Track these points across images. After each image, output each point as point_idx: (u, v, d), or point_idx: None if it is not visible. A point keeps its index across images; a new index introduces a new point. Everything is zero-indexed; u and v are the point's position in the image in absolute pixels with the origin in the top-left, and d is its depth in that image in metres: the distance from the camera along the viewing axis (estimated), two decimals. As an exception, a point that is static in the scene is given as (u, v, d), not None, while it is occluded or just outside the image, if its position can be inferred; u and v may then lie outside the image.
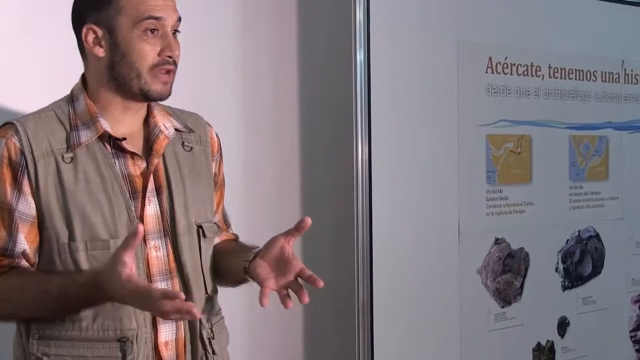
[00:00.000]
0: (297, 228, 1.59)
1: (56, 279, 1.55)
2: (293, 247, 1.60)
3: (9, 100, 2.14)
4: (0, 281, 1.56)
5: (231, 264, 1.72)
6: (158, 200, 1.64)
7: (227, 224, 1.89)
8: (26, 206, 1.57)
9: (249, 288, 2.66)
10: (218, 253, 1.78)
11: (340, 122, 2.80)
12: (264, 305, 1.55)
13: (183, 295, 1.41)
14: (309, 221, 1.58)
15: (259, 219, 2.69)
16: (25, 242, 1.57)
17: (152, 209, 1.62)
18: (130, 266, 1.43)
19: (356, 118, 2.65)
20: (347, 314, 2.73)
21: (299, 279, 1.59)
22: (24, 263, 1.58)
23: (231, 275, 1.74)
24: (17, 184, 1.57)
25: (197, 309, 1.41)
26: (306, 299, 1.56)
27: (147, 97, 1.63)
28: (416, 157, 2.82)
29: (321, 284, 1.57)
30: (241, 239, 1.92)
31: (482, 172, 3.02)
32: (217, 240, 1.81)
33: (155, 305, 1.40)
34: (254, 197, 2.74)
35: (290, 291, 1.59)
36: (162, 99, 1.65)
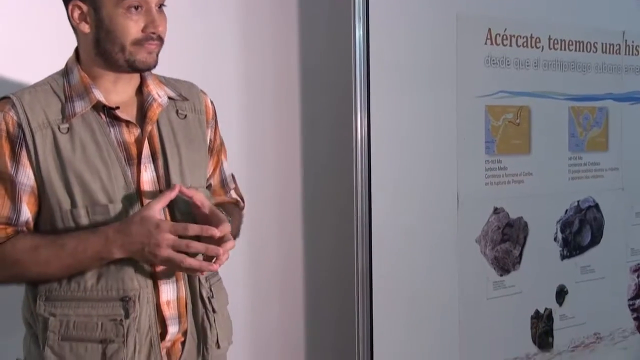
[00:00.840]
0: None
1: (72, 233, 1.61)
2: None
3: (10, 72, 2.19)
4: (7, 245, 1.61)
5: None
6: (154, 167, 1.69)
7: (226, 189, 1.93)
8: (25, 177, 1.63)
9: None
10: None
11: (340, 94, 2.84)
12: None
13: (218, 233, 1.53)
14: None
15: (260, 192, 2.74)
16: (28, 212, 1.63)
17: (148, 174, 1.68)
18: (159, 215, 1.53)
19: (355, 91, 2.68)
20: (346, 282, 2.78)
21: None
22: (24, 230, 1.64)
23: None
24: (15, 156, 1.63)
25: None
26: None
27: (134, 68, 1.68)
28: (415, 128, 2.86)
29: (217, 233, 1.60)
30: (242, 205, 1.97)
31: (481, 142, 3.06)
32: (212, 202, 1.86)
33: (187, 245, 1.52)
34: (255, 169, 2.78)
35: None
36: (148, 68, 1.70)
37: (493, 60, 3.07)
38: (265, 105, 2.83)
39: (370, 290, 2.73)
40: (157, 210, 1.55)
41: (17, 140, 1.62)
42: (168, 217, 1.69)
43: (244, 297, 2.70)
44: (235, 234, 1.80)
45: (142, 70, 1.69)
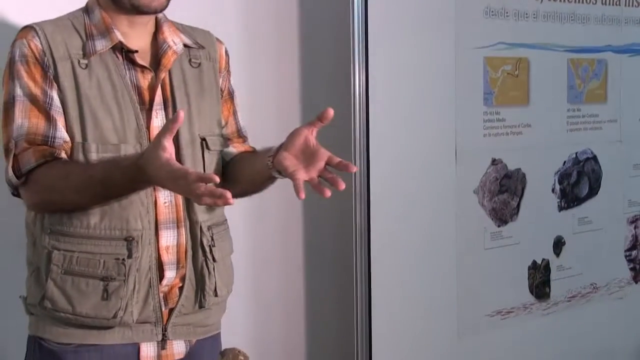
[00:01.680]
0: (320, 118, 1.60)
1: (100, 164, 1.63)
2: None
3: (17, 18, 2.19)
4: (44, 169, 1.63)
5: (255, 165, 1.75)
6: (165, 114, 1.71)
7: (243, 137, 1.93)
8: (56, 99, 1.65)
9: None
10: (239, 161, 1.84)
11: (337, 46, 2.84)
12: (302, 197, 1.53)
13: (217, 179, 1.46)
14: (331, 112, 1.59)
15: (257, 141, 2.75)
16: (65, 131, 1.65)
17: (158, 121, 1.70)
18: (169, 150, 1.49)
19: (353, 43, 2.68)
20: (345, 235, 2.81)
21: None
22: (64, 155, 1.66)
23: (256, 175, 1.74)
24: (47, 80, 1.64)
25: (230, 194, 1.42)
26: (342, 185, 1.53)
27: (138, 10, 1.69)
28: (413, 80, 2.87)
29: (354, 168, 1.57)
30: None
31: (479, 94, 3.07)
32: (234, 151, 1.87)
33: (191, 188, 1.44)
34: (256, 119, 2.79)
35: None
36: (154, 11, 1.71)
37: (492, 11, 3.06)
38: (263, 55, 2.83)
39: (369, 244, 2.75)
40: (167, 147, 1.48)
41: (45, 67, 1.65)
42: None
43: (244, 250, 2.73)
44: None
45: (146, 12, 1.70)
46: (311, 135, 1.62)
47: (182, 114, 1.51)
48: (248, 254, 2.74)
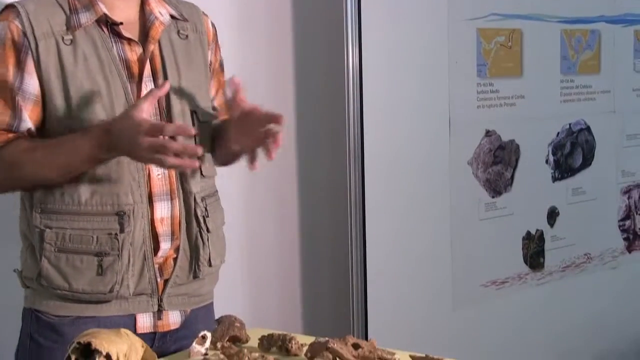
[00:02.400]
0: (234, 90, 1.69)
1: (66, 136, 1.64)
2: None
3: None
4: (8, 148, 1.64)
5: (220, 143, 1.83)
6: (154, 86, 1.71)
7: None
8: (30, 85, 1.65)
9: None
10: (217, 131, 1.86)
11: (330, 19, 2.83)
12: (255, 169, 1.67)
13: (193, 131, 1.53)
14: (236, 80, 1.68)
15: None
16: (30, 120, 1.66)
17: None
18: (147, 113, 1.55)
19: (346, 15, 2.69)
20: (339, 207, 2.83)
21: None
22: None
23: (224, 154, 1.84)
24: (20, 64, 1.64)
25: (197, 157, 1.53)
26: (279, 140, 1.63)
27: None
28: (407, 52, 2.87)
29: (282, 119, 1.64)
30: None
31: (472, 65, 3.07)
32: (217, 121, 1.89)
33: (164, 146, 1.52)
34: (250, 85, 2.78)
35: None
36: None
37: (484, -18, 3.07)
38: (257, 27, 2.83)
39: (363, 215, 2.77)
40: (144, 108, 1.55)
41: (23, 49, 1.64)
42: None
43: (239, 220, 2.74)
44: None
45: None
46: (241, 100, 1.69)
47: (167, 85, 1.54)
48: (243, 224, 2.75)
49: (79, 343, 1.27)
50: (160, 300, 1.72)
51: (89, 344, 1.26)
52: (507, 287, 3.23)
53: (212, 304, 1.85)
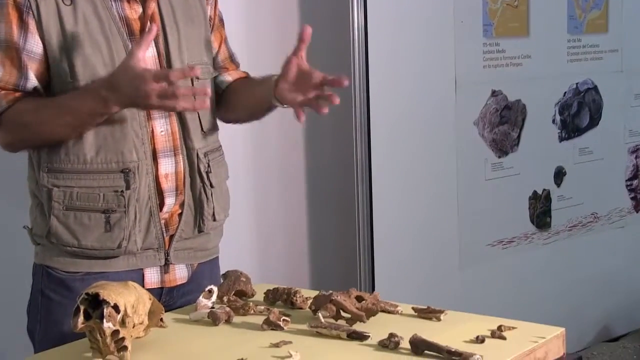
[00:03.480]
0: (301, 39, 1.69)
1: (70, 93, 1.66)
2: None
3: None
4: (15, 108, 1.67)
5: (254, 95, 1.84)
6: (154, 43, 1.73)
7: (236, 63, 1.96)
8: (34, 44, 1.67)
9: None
10: (236, 89, 1.88)
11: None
12: (302, 121, 1.70)
13: (199, 71, 1.57)
14: (309, 29, 1.68)
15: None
16: (35, 79, 1.68)
17: (149, 51, 1.71)
18: (144, 62, 1.57)
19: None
20: (346, 164, 2.84)
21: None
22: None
23: (256, 104, 1.85)
24: (23, 24, 1.66)
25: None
26: (337, 99, 1.66)
27: None
28: (412, 12, 2.87)
29: (346, 82, 1.67)
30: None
31: (478, 25, 3.07)
32: (230, 78, 1.91)
33: (172, 92, 1.55)
34: (254, 52, 2.80)
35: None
36: None
37: (491, -59, 3.05)
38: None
39: (369, 175, 2.78)
40: (141, 57, 1.57)
41: (24, 9, 1.66)
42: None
43: (246, 175, 2.75)
44: None
45: None
46: (301, 60, 1.70)
47: (155, 27, 1.56)
48: (250, 179, 2.77)
49: (87, 294, 1.30)
50: (167, 254, 1.74)
51: (97, 295, 1.29)
52: (514, 246, 3.25)
53: (217, 258, 1.88)
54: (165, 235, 1.74)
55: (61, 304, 1.69)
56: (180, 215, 1.75)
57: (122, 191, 1.67)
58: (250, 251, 2.77)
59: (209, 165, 1.79)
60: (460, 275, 3.06)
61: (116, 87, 1.59)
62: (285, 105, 1.75)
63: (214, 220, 1.79)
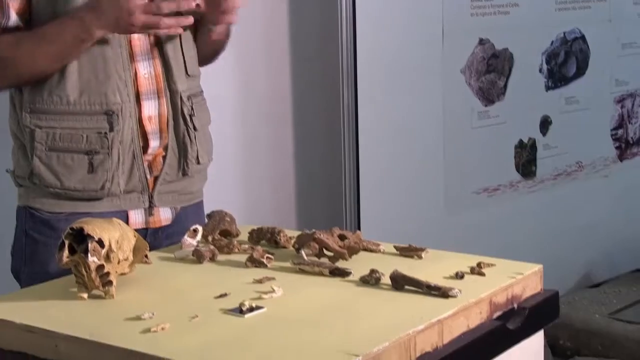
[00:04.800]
0: None
1: (51, 22, 1.66)
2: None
3: None
4: None
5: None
6: None
7: None
8: None
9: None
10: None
11: None
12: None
13: (194, 3, 1.60)
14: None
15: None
16: (17, 16, 1.67)
17: None
18: None
19: None
20: (333, 114, 2.85)
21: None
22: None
23: (201, 46, 1.87)
24: None
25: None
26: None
27: None
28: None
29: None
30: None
31: (466, -28, 3.07)
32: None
33: (155, 7, 1.58)
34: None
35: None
36: None
37: None
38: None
39: (356, 121, 2.79)
40: None
41: None
42: (152, 39, 1.71)
43: (233, 117, 2.75)
44: None
45: None
46: None
47: None
48: (237, 123, 2.77)
49: (72, 229, 1.31)
50: (150, 197, 1.75)
51: (81, 230, 1.30)
52: (499, 194, 3.28)
53: (202, 202, 1.89)
54: (149, 177, 1.75)
55: (46, 244, 1.70)
56: (164, 157, 1.76)
57: (105, 133, 1.68)
58: (236, 194, 2.78)
59: (192, 109, 1.79)
60: (445, 222, 3.09)
61: (98, 7, 1.59)
62: (212, 26, 1.79)
63: (198, 163, 1.80)
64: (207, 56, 1.91)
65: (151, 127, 1.74)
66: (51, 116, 1.68)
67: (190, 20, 1.66)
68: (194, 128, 1.79)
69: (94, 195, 1.71)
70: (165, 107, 1.76)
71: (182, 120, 1.77)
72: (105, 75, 1.68)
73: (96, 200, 1.72)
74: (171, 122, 1.76)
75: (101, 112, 1.68)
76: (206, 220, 1.69)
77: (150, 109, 1.74)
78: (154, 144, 1.74)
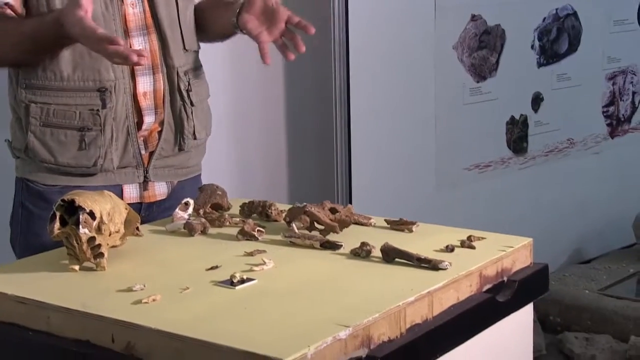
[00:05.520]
0: None
1: (29, 21, 1.66)
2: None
3: None
4: None
5: (218, 17, 1.81)
6: None
7: None
8: None
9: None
10: (204, 10, 1.86)
11: None
12: (267, 63, 1.69)
13: (122, 41, 1.50)
14: None
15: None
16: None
17: None
18: (84, 9, 1.52)
19: None
20: (324, 90, 2.85)
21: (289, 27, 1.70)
22: (8, 12, 1.67)
23: (219, 29, 1.84)
24: None
25: (138, 55, 1.48)
26: (302, 48, 1.68)
27: None
28: None
29: (312, 29, 1.69)
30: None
31: (458, -52, 3.06)
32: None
33: (99, 47, 1.51)
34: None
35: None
36: None
37: None
38: None
39: (348, 95, 2.79)
40: (83, 3, 1.51)
41: None
42: (148, 13, 1.71)
43: (226, 91, 2.75)
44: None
45: None
46: None
47: None
48: (229, 97, 2.77)
49: (63, 201, 1.31)
50: (146, 172, 1.76)
51: (72, 202, 1.30)
52: (490, 170, 3.29)
53: (199, 176, 1.89)
54: (144, 152, 1.74)
55: (40, 216, 1.70)
56: (160, 133, 1.76)
57: (97, 110, 1.68)
58: (228, 168, 2.78)
59: (189, 84, 1.78)
60: (436, 198, 3.10)
61: (65, 27, 1.55)
62: (244, 31, 1.74)
63: (195, 138, 1.80)
64: (218, 38, 1.90)
65: (146, 102, 1.73)
66: (45, 92, 1.68)
67: (143, 62, 1.53)
68: (191, 103, 1.78)
69: (87, 172, 1.71)
70: (162, 82, 1.75)
71: (179, 96, 1.76)
72: None
73: (90, 176, 1.72)
74: (167, 98, 1.75)
75: (94, 88, 1.68)
76: (198, 193, 1.69)
77: (145, 84, 1.73)
78: (149, 119, 1.73)
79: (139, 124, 1.73)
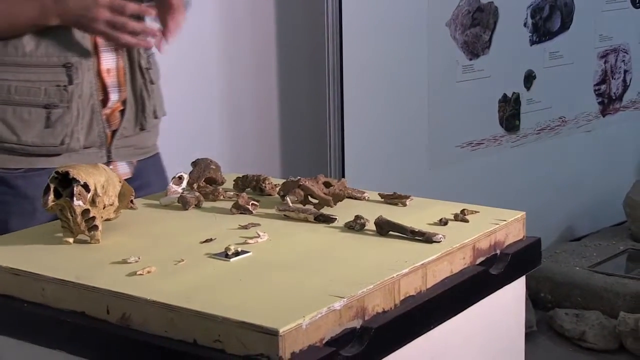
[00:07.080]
0: None
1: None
2: None
3: None
4: None
5: None
6: None
7: None
8: None
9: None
10: None
11: None
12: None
13: (154, 12, 1.54)
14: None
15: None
16: None
17: None
18: None
19: None
20: (317, 66, 2.84)
21: None
22: None
23: None
24: None
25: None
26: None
27: None
28: None
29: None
30: None
31: None
32: None
33: (124, 24, 1.53)
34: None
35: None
36: None
37: None
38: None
39: (341, 75, 2.79)
40: None
41: None
42: None
43: (219, 58, 2.74)
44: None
45: None
46: None
47: None
48: (223, 69, 2.76)
49: (57, 173, 1.31)
50: (109, 151, 1.73)
51: (66, 174, 1.30)
52: (483, 148, 3.30)
53: (158, 154, 1.88)
54: (107, 131, 1.72)
55: (4, 202, 1.66)
56: (122, 111, 1.74)
57: (65, 86, 1.63)
58: (222, 143, 2.78)
59: (149, 61, 1.77)
60: (429, 175, 3.11)
61: (64, 2, 1.56)
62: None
63: (155, 117, 1.79)
64: None
65: (110, 79, 1.71)
66: (6, 67, 1.63)
67: (150, 43, 1.61)
68: (151, 81, 1.77)
69: (53, 151, 1.66)
70: (123, 59, 1.73)
71: (140, 73, 1.75)
72: (63, 26, 1.63)
73: (54, 156, 1.68)
74: (128, 75, 1.74)
75: (59, 64, 1.64)
76: (192, 166, 1.69)
77: (108, 61, 1.70)
78: (113, 97, 1.71)
79: (104, 102, 1.71)
